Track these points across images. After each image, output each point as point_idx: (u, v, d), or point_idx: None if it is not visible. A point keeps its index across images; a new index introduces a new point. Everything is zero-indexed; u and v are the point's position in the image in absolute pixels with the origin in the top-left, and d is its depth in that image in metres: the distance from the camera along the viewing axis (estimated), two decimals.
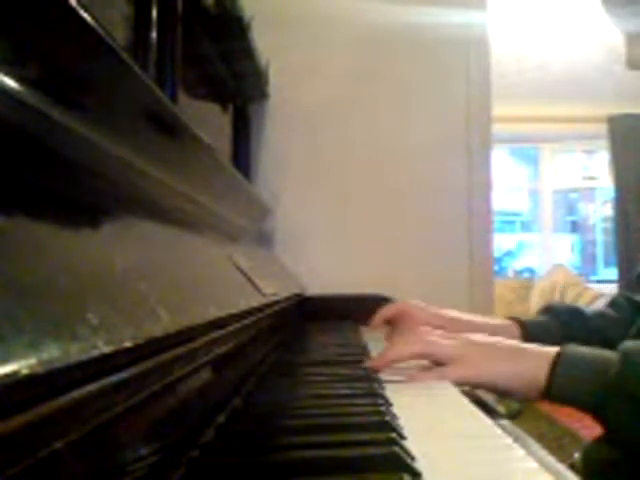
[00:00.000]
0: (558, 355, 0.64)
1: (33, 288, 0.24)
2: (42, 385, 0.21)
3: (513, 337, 0.91)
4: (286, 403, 0.55)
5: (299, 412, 0.51)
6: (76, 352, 0.23)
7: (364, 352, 0.87)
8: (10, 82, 0.29)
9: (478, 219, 1.63)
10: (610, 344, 0.89)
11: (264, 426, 0.47)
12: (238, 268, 0.70)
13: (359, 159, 1.63)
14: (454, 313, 0.98)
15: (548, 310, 0.97)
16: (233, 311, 0.52)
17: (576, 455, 0.80)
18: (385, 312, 1.01)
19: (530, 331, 0.92)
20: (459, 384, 0.65)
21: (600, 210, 4.87)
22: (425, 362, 0.71)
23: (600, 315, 0.95)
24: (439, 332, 0.72)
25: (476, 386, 0.67)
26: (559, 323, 0.93)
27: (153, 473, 0.33)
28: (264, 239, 1.37)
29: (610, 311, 0.95)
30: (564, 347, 0.65)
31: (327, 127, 1.63)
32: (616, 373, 0.59)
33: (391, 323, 1.01)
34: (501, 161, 4.53)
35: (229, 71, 1.25)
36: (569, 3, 3.27)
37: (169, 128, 0.53)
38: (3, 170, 0.28)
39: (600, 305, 1.00)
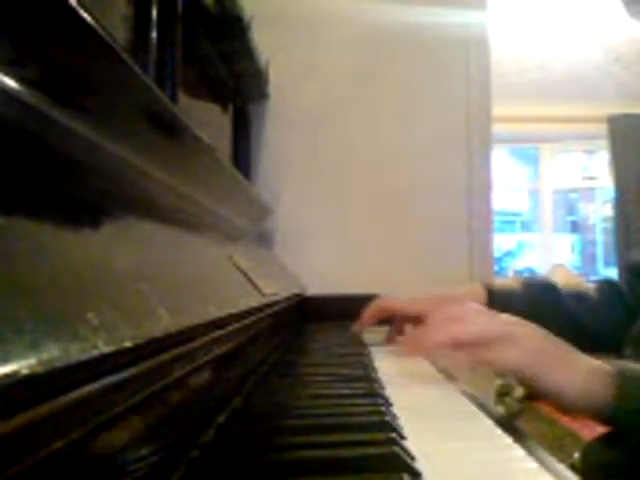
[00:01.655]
0: (618, 373, 0.57)
1: (33, 288, 0.24)
2: (42, 385, 0.21)
3: (479, 301, 0.91)
4: (286, 403, 0.55)
5: (299, 412, 0.51)
6: (76, 352, 0.23)
7: (364, 352, 0.87)
8: (10, 82, 0.29)
9: (478, 219, 1.63)
10: (580, 326, 0.90)
11: (264, 426, 0.47)
12: (238, 268, 0.70)
13: (359, 159, 1.63)
14: (427, 296, 0.98)
15: (523, 281, 0.98)
16: (233, 311, 0.52)
17: (576, 455, 0.80)
18: (372, 312, 1.00)
19: (494, 296, 0.93)
20: (510, 372, 0.58)
21: (600, 210, 4.87)
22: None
23: (576, 296, 0.94)
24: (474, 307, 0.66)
25: (526, 376, 0.58)
26: (529, 296, 0.93)
27: (153, 473, 0.33)
28: (264, 239, 1.37)
29: (592, 294, 0.95)
30: (620, 366, 0.58)
31: (327, 127, 1.62)
32: None
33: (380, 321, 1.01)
34: (501, 161, 4.53)
35: (229, 71, 1.25)
36: (569, 3, 3.27)
37: (169, 128, 0.53)
38: (3, 170, 0.28)
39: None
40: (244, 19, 1.08)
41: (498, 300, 0.93)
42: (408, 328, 0.99)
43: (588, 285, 0.98)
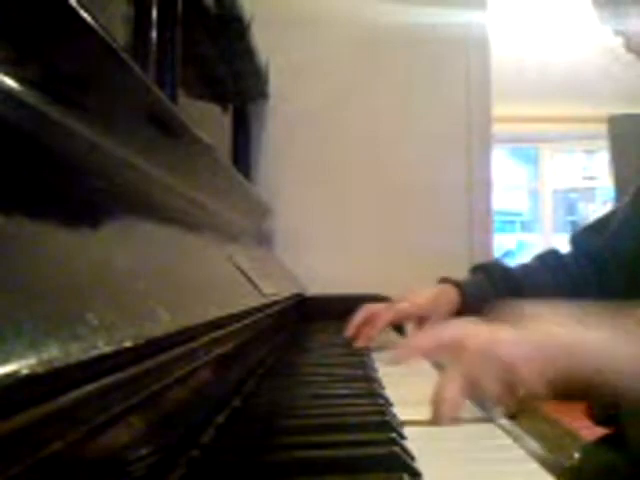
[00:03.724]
0: None
1: (33, 288, 0.24)
2: (42, 385, 0.21)
3: (452, 299, 0.94)
4: (286, 403, 0.54)
5: (299, 412, 0.51)
6: (76, 352, 0.23)
7: (364, 352, 0.87)
8: (10, 82, 0.29)
9: (478, 219, 1.63)
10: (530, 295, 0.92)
11: (264, 426, 0.47)
12: (238, 268, 0.70)
13: (359, 159, 1.63)
14: (405, 303, 0.98)
15: (481, 269, 0.99)
16: (233, 311, 0.52)
17: (576, 455, 0.80)
18: (356, 320, 0.99)
19: (465, 291, 0.95)
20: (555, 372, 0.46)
21: (600, 210, 4.86)
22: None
23: (526, 272, 0.97)
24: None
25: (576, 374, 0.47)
26: (491, 282, 0.96)
27: (153, 473, 0.33)
28: (264, 239, 1.37)
29: (535, 263, 0.98)
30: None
31: (327, 127, 1.62)
32: None
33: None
34: (501, 161, 4.52)
35: (229, 71, 1.24)
36: (569, 4, 3.27)
37: (169, 128, 0.53)
38: (3, 170, 0.28)
39: None
40: (244, 19, 1.07)
41: (469, 295, 0.95)
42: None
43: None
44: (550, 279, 0.95)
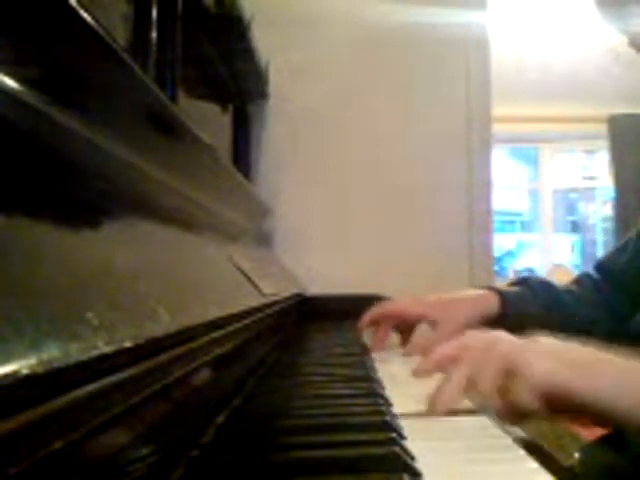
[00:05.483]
0: None
1: (33, 288, 0.24)
2: (42, 385, 0.21)
3: (493, 306, 0.92)
4: (286, 403, 0.55)
5: (299, 412, 0.51)
6: (76, 352, 0.23)
7: (364, 352, 0.87)
8: (10, 82, 0.29)
9: (478, 219, 1.63)
10: (574, 319, 0.91)
11: (264, 426, 0.47)
12: (238, 268, 0.70)
13: (359, 159, 1.63)
14: (434, 297, 0.96)
15: (522, 282, 0.98)
16: (233, 311, 0.52)
17: (576, 455, 0.80)
18: (374, 313, 0.98)
19: (508, 300, 0.93)
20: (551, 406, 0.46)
21: (600, 210, 4.86)
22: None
23: (568, 291, 0.97)
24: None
25: (574, 405, 0.46)
26: (533, 295, 0.94)
27: (153, 473, 0.33)
28: (264, 239, 1.37)
29: (574, 287, 0.98)
30: None
31: (327, 127, 1.62)
32: None
33: (379, 324, 0.98)
34: (501, 161, 4.52)
35: (229, 71, 1.24)
36: (569, 3, 3.27)
37: (169, 128, 0.53)
38: (3, 170, 0.28)
39: None
40: (244, 19, 1.07)
41: (512, 305, 0.92)
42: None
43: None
44: (588, 296, 0.95)
